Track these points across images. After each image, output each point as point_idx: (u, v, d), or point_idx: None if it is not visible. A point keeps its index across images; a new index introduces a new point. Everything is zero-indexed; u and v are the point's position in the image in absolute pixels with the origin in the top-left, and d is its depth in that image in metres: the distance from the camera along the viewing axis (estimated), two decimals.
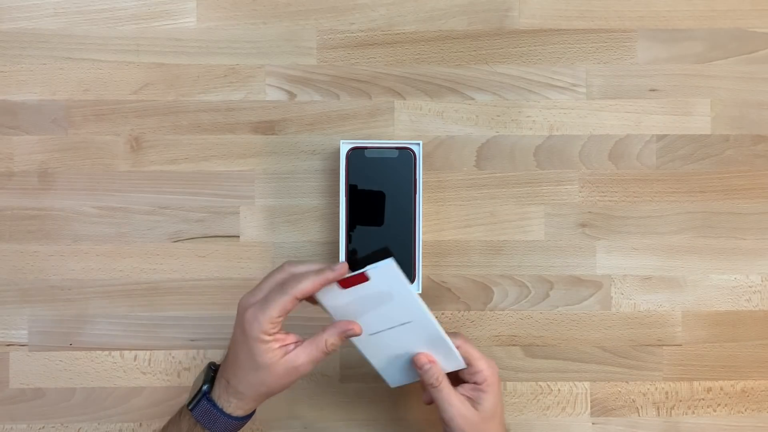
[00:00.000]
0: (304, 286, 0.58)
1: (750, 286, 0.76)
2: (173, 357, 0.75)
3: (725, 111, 0.76)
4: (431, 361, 0.64)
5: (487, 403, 0.64)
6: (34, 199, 0.74)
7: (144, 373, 0.75)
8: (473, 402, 0.64)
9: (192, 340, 0.75)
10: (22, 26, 0.75)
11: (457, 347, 0.65)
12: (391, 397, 0.75)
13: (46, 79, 0.75)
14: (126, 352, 0.75)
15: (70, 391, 0.74)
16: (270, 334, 0.58)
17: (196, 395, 0.62)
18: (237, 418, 0.61)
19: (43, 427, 0.74)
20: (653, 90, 0.76)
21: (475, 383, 0.65)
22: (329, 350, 0.60)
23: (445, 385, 0.64)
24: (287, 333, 0.60)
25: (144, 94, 0.75)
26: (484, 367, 0.65)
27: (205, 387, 0.62)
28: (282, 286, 0.59)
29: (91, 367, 0.74)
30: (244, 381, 0.60)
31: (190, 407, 0.62)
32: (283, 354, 0.59)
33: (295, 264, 0.61)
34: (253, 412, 0.63)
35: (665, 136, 0.76)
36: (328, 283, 0.59)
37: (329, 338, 0.60)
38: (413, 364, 0.64)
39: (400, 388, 0.72)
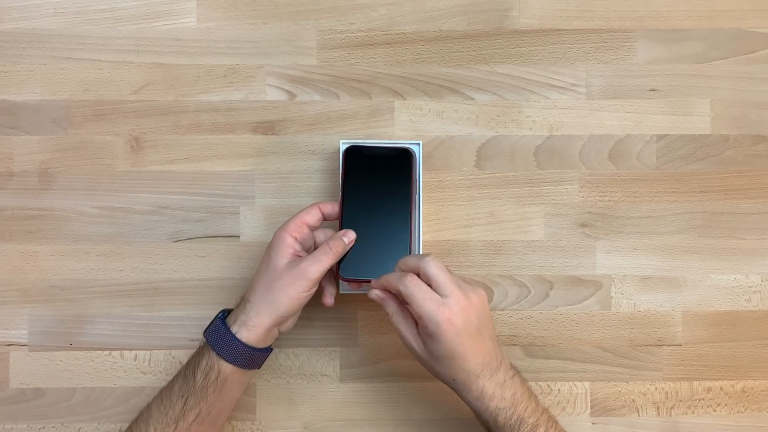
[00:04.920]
0: (328, 203, 0.67)
1: (750, 286, 0.76)
2: (173, 357, 0.75)
3: (725, 111, 0.76)
4: (382, 298, 0.64)
5: (433, 348, 0.62)
6: (34, 199, 0.74)
7: (144, 373, 0.75)
8: (425, 341, 0.62)
9: (192, 340, 0.74)
10: (22, 26, 0.75)
11: (400, 295, 0.62)
12: (391, 397, 0.75)
13: (46, 79, 0.75)
14: (126, 352, 0.75)
15: (70, 391, 0.74)
16: (291, 235, 0.65)
17: (212, 321, 0.66)
18: (239, 341, 0.63)
19: (43, 427, 0.74)
20: (653, 90, 0.76)
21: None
22: (332, 251, 0.64)
23: (396, 320, 0.64)
24: (304, 251, 0.66)
25: (144, 94, 0.75)
26: (425, 312, 0.60)
27: (221, 314, 0.66)
28: (310, 204, 0.68)
29: (91, 367, 0.75)
30: (254, 289, 0.64)
31: (204, 332, 0.65)
32: (293, 259, 0.64)
33: None
34: (262, 351, 0.65)
35: (665, 136, 0.76)
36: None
37: (331, 240, 0.65)
38: (369, 294, 0.65)
39: (403, 389, 0.72)
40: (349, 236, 0.66)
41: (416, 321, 0.63)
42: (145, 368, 0.75)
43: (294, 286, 0.63)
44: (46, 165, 0.75)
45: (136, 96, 0.75)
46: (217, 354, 0.63)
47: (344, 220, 0.69)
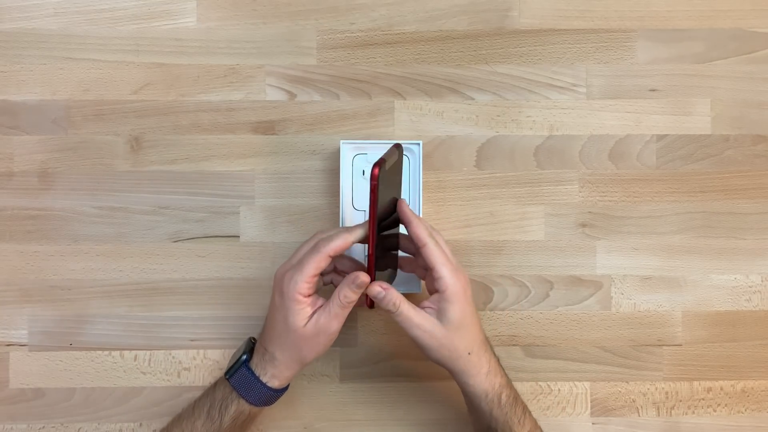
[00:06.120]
0: (336, 244, 0.61)
1: (750, 286, 0.76)
2: (173, 357, 0.75)
3: (725, 111, 0.76)
4: (384, 288, 0.61)
5: (451, 314, 0.62)
6: (34, 199, 0.74)
7: (144, 373, 0.75)
8: (438, 314, 0.62)
9: (192, 340, 0.75)
10: (22, 26, 0.75)
11: (423, 248, 0.62)
12: (391, 397, 0.75)
13: (46, 79, 0.75)
14: (126, 352, 0.75)
15: (70, 391, 0.74)
16: (305, 295, 0.61)
17: (234, 364, 0.65)
18: (271, 389, 0.64)
19: (43, 427, 0.74)
20: (653, 90, 0.76)
21: (437, 291, 0.63)
22: (345, 303, 0.61)
23: (404, 308, 0.62)
24: (319, 297, 0.63)
25: (144, 94, 0.75)
26: (445, 274, 0.62)
27: (244, 356, 0.64)
28: (315, 247, 0.62)
29: (91, 367, 0.74)
30: (279, 346, 0.63)
31: (227, 376, 0.65)
32: (311, 316, 0.62)
33: (324, 230, 0.64)
34: (287, 387, 0.66)
35: (665, 136, 0.76)
36: (357, 240, 0.61)
37: (341, 291, 0.61)
38: (369, 293, 0.62)
39: (403, 389, 0.72)
40: (361, 281, 0.61)
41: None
42: (145, 368, 0.75)
43: (318, 341, 0.63)
44: (46, 165, 0.75)
45: (136, 96, 0.75)
46: (248, 401, 0.64)
47: (372, 237, 0.61)
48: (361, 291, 0.62)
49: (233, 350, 0.74)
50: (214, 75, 0.75)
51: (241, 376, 0.64)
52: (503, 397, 0.64)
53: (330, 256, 0.61)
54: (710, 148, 0.76)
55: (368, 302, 0.62)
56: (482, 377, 0.64)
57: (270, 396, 0.65)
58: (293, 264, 0.62)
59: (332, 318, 0.62)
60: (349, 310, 0.62)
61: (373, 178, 0.58)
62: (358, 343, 0.75)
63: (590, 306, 0.76)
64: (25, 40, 0.75)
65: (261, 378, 0.64)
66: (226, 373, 0.65)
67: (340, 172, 0.71)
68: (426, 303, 0.64)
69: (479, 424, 0.66)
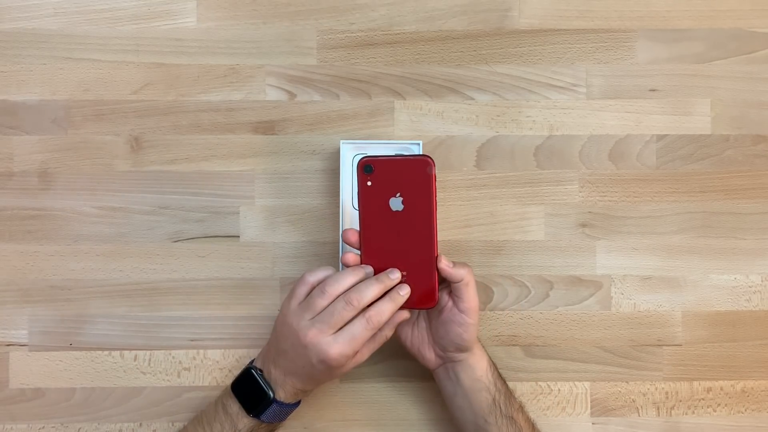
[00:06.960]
0: (386, 317, 0.63)
1: (750, 286, 0.76)
2: (173, 357, 0.75)
3: (725, 111, 0.76)
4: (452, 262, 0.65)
5: (472, 295, 0.66)
6: (34, 199, 0.74)
7: (144, 373, 0.75)
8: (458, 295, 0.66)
9: (192, 340, 0.75)
10: (22, 26, 0.75)
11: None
12: (391, 397, 0.75)
13: (46, 79, 0.75)
14: (126, 352, 0.75)
15: (70, 391, 0.74)
16: (350, 357, 0.63)
17: (261, 404, 0.65)
18: (298, 404, 0.68)
19: (43, 427, 0.74)
20: (653, 90, 0.76)
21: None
22: (383, 341, 0.66)
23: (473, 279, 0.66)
24: None
25: (144, 94, 0.75)
26: (452, 264, 0.65)
27: (271, 394, 0.65)
28: (369, 322, 0.62)
29: (91, 367, 0.74)
30: (316, 384, 0.67)
31: (254, 414, 0.65)
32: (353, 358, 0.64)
33: (312, 272, 0.65)
34: None
35: (665, 136, 0.76)
36: (402, 302, 0.63)
37: (387, 333, 0.65)
38: (438, 263, 0.64)
39: (403, 389, 0.72)
40: (404, 319, 0.65)
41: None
42: (145, 368, 0.75)
43: (351, 369, 0.66)
44: (46, 165, 0.75)
45: (136, 96, 0.75)
46: (280, 422, 0.68)
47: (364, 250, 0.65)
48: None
49: (233, 350, 0.74)
50: (214, 75, 0.75)
51: (274, 411, 0.65)
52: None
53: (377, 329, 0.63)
54: (710, 148, 0.76)
55: (432, 301, 0.65)
56: (485, 351, 0.69)
57: (291, 412, 0.68)
58: (330, 332, 0.62)
59: (368, 353, 0.65)
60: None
61: (426, 168, 0.62)
62: None
63: (590, 306, 0.76)
64: (25, 40, 0.75)
65: (291, 404, 0.67)
66: (251, 411, 0.65)
67: (340, 172, 0.71)
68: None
69: (481, 403, 0.67)
